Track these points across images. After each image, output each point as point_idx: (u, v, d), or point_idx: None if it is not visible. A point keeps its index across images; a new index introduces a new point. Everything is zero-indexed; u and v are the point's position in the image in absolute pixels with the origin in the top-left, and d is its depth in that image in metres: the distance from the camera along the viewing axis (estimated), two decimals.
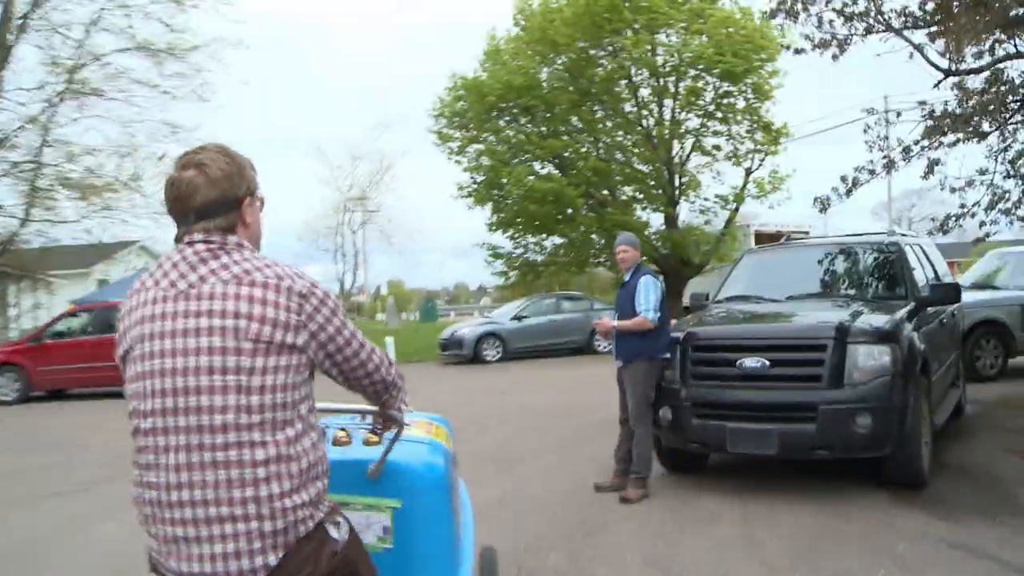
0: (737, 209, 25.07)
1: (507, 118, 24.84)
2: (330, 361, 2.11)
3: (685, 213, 25.70)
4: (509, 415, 11.54)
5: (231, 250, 2.02)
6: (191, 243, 2.02)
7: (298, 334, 1.98)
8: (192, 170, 2.03)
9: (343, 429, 2.92)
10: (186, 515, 1.89)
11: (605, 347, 21.85)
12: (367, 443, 2.82)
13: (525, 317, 22.21)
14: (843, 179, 11.60)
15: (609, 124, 24.88)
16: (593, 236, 25.03)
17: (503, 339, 21.56)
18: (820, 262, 7.98)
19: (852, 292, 7.63)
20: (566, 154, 24.67)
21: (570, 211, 23.94)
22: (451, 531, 2.99)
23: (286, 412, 1.95)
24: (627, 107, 24.60)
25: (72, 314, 17.95)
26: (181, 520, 1.89)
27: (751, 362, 6.15)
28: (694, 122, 24.32)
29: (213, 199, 2.03)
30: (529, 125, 24.58)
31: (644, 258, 6.56)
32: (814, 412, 5.86)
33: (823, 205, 11.66)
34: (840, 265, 7.94)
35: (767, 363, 6.09)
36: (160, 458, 1.92)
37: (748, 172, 24.43)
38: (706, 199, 25.25)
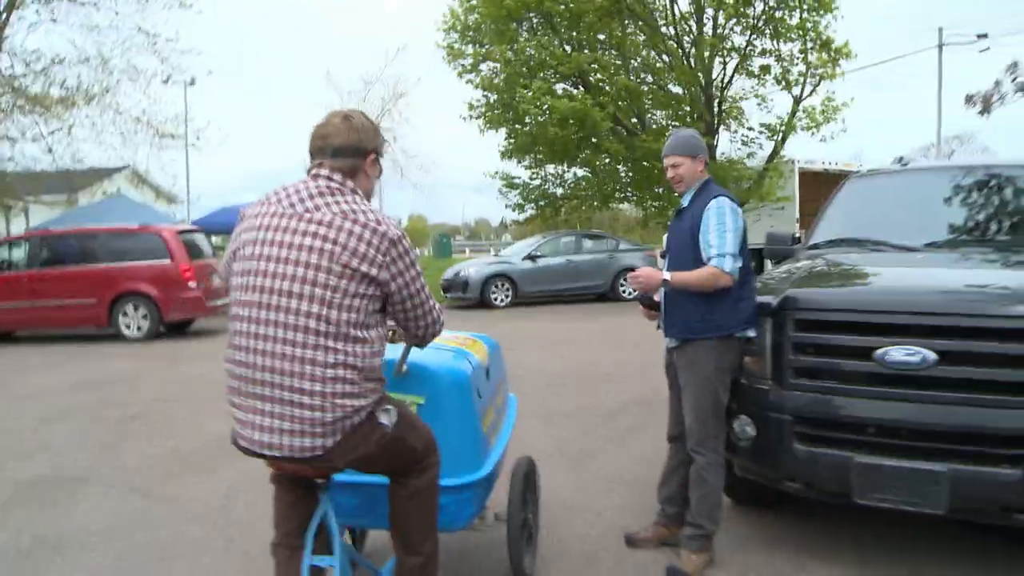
0: (784, 140, 22.10)
1: (525, 30, 21.86)
2: (399, 303, 2.56)
3: (725, 144, 22.81)
4: (510, 386, 8.91)
5: (347, 192, 2.51)
6: (316, 176, 2.53)
7: (380, 271, 2.44)
8: (339, 119, 2.60)
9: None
10: (266, 392, 2.39)
11: (633, 293, 19.45)
12: (389, 340, 2.90)
13: (540, 257, 19.58)
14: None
15: (642, 38, 21.84)
16: (620, 167, 22.25)
17: (514, 281, 19.03)
18: (969, 194, 5.28)
19: None
20: (593, 77, 21.76)
21: (594, 139, 21.13)
22: (473, 430, 3.27)
23: (357, 331, 2.42)
24: (663, 23, 21.58)
25: (9, 243, 15.39)
26: (261, 396, 2.39)
27: (902, 353, 3.54)
28: (739, 39, 21.27)
29: (349, 143, 2.56)
30: (550, 36, 21.58)
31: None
32: (1022, 448, 3.32)
33: (984, 105, 8.82)
34: (1003, 200, 5.24)
35: (932, 356, 3.49)
36: (251, 343, 2.40)
37: (797, 100, 21.49)
38: (750, 128, 22.34)
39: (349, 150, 2.56)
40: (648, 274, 3.90)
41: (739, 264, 3.80)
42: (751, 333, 3.96)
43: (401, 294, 2.52)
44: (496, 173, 23.93)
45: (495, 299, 18.69)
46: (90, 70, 19.45)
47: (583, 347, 11.84)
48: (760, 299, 4.03)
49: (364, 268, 2.39)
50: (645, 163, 20.88)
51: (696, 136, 4.15)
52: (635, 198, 23.88)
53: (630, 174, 22.40)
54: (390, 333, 2.93)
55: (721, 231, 3.79)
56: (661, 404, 4.25)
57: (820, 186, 24.11)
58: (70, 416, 8.02)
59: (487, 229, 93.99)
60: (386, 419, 2.55)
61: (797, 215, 23.25)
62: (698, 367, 3.89)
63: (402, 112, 59.21)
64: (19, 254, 14.72)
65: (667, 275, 3.86)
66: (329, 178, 2.51)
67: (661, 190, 21.70)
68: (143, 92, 22.39)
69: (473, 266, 20.00)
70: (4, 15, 19.11)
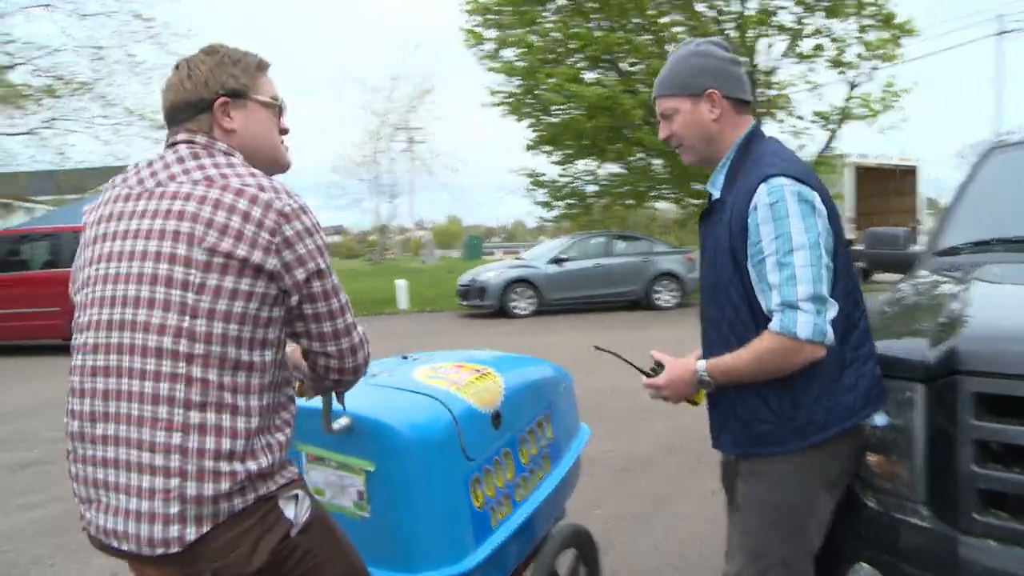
0: (837, 130, 20.09)
1: (550, 10, 20.03)
2: (298, 314, 1.71)
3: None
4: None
5: (215, 153, 1.73)
6: (173, 144, 1.77)
7: (267, 256, 1.61)
8: (174, 71, 1.84)
9: None
10: (107, 454, 1.60)
11: (668, 301, 17.60)
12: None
13: (567, 260, 17.45)
14: None
15: (677, 18, 19.92)
16: (655, 161, 20.34)
17: (537, 287, 17.01)
18: None
19: None
20: (624, 63, 19.89)
21: (626, 131, 19.23)
22: (451, 507, 2.37)
23: (240, 351, 1.60)
24: (701, 2, 19.68)
25: None
26: (101, 459, 1.61)
27: None
28: (788, 17, 19.23)
29: (180, 100, 1.79)
30: (576, 18, 19.70)
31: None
32: None
33: None
34: None
35: None
36: (87, 382, 1.64)
37: (853, 85, 19.50)
38: (799, 117, 20.32)
39: (183, 109, 1.79)
40: (672, 376, 2.21)
41: (832, 312, 2.00)
42: (877, 420, 2.15)
43: (300, 293, 1.68)
44: (523, 170, 22.18)
45: (515, 307, 16.72)
46: (81, 59, 18.40)
47: (611, 367, 9.91)
48: (893, 350, 2.17)
49: (241, 251, 1.59)
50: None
51: (703, 53, 2.24)
52: (672, 195, 21.96)
53: (666, 169, 20.46)
54: (295, 384, 2.02)
55: (784, 251, 1.98)
56: (712, 453, 2.45)
57: (875, 182, 22.16)
58: None
59: (524, 231, 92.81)
60: (291, 511, 1.68)
61: (852, 214, 21.52)
62: (773, 488, 2.12)
63: (428, 109, 58.03)
64: None
65: (700, 365, 2.14)
66: (189, 142, 1.75)
67: (701, 186, 19.83)
68: (143, 85, 21.40)
69: (492, 270, 18.00)
70: None
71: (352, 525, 2.19)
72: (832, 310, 1.99)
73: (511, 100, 20.89)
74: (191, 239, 1.60)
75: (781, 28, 19.23)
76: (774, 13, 19.02)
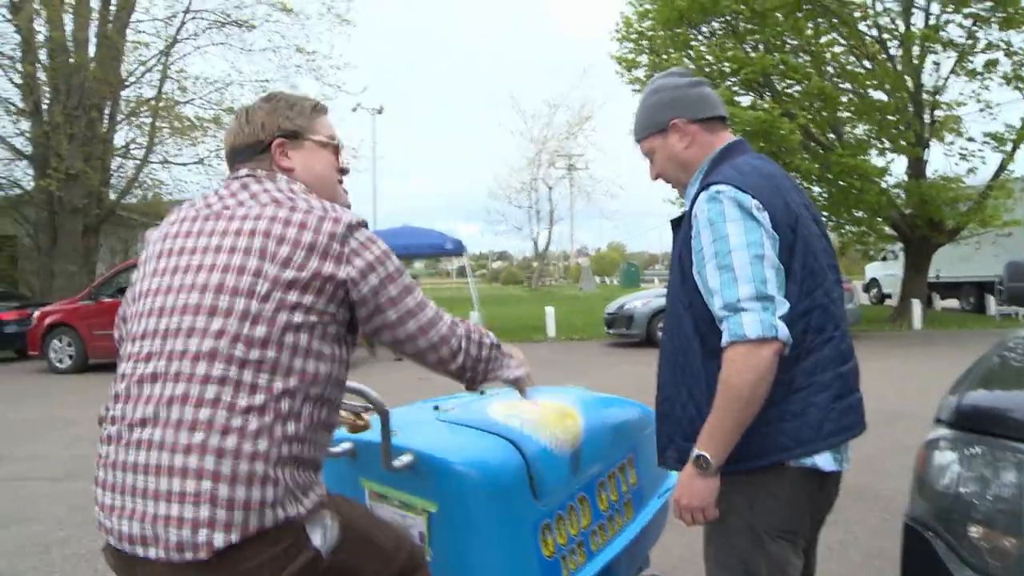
0: (1014, 152, 18.68)
1: (704, 35, 19.66)
2: (380, 317, 1.73)
3: (938, 160, 19.71)
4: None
5: (278, 179, 1.81)
6: (236, 176, 1.83)
7: (341, 265, 1.66)
8: (234, 118, 1.95)
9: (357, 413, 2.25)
10: (143, 459, 1.55)
11: None
12: (352, 429, 2.21)
13: None
14: None
15: (836, 38, 19.11)
16: (813, 188, 19.52)
17: None
18: None
19: None
20: (781, 84, 19.25)
21: (783, 156, 18.56)
22: (518, 556, 2.21)
23: (296, 359, 1.61)
24: (862, 19, 18.81)
25: (135, 266, 14.68)
26: (133, 465, 1.56)
27: None
28: (958, 32, 18.10)
29: (239, 143, 1.88)
30: (730, 41, 19.24)
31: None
32: None
33: None
34: None
35: None
36: (133, 388, 1.61)
37: None
38: (970, 139, 19.03)
39: (243, 151, 1.86)
40: (688, 496, 1.95)
41: (782, 309, 1.86)
42: (819, 462, 1.95)
43: (378, 299, 1.71)
44: (677, 200, 21.76)
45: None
46: (247, 92, 19.39)
47: None
48: (1009, 404, 2.02)
49: (314, 263, 1.62)
50: (842, 182, 18.22)
51: (658, 88, 2.22)
52: (832, 223, 21.04)
53: (824, 195, 19.59)
54: (358, 416, 2.17)
55: (723, 252, 1.89)
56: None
57: None
58: (92, 471, 6.52)
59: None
60: (319, 537, 1.63)
61: None
62: (722, 515, 1.98)
63: (588, 136, 58.30)
64: None
65: (696, 454, 1.91)
66: (251, 172, 1.81)
67: (861, 213, 18.88)
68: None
69: (640, 298, 17.56)
70: (174, 39, 19.27)
71: None
72: (782, 308, 1.85)
73: None
74: (262, 253, 1.63)
75: (949, 44, 18.10)
76: (942, 27, 17.94)
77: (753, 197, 1.90)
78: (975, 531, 1.89)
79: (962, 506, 1.96)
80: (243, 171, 1.83)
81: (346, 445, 2.31)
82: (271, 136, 1.87)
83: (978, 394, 2.11)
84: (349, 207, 1.90)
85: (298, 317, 1.61)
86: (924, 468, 2.07)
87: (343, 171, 1.99)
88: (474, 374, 1.93)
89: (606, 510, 2.64)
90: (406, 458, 2.16)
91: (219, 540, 1.49)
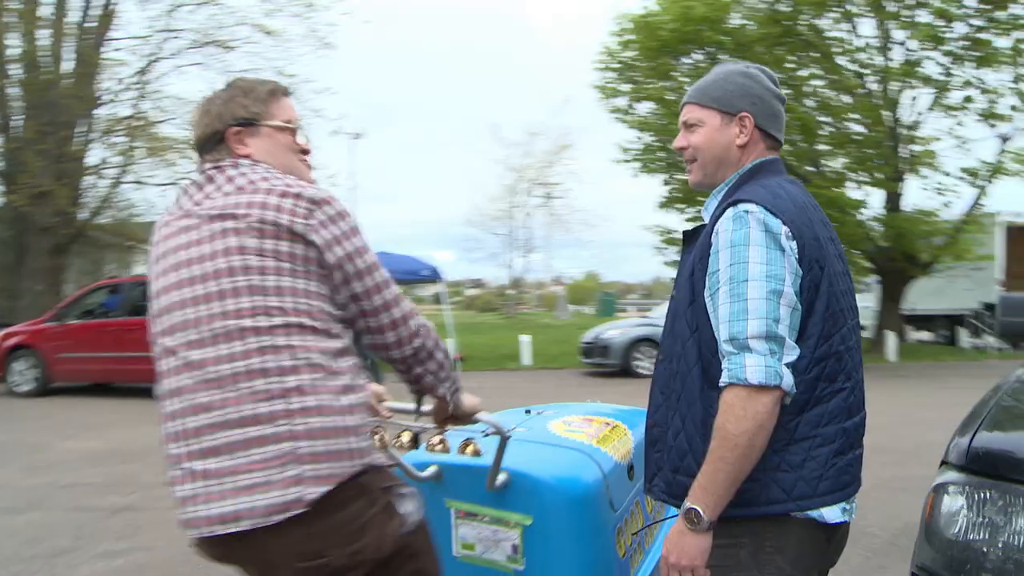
0: (986, 187, 18.87)
1: (686, 65, 19.72)
2: (346, 289, 1.79)
3: (914, 194, 19.86)
4: None
5: (240, 164, 1.86)
6: (202, 170, 1.89)
7: (309, 232, 1.73)
8: (196, 109, 1.99)
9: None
10: (207, 443, 1.64)
11: None
12: (429, 449, 2.37)
13: None
14: None
15: (816, 71, 19.26)
16: None
17: None
18: None
19: None
20: None
21: None
22: (600, 560, 2.46)
23: (314, 320, 1.72)
24: (840, 54, 18.99)
25: (111, 288, 14.43)
26: (201, 451, 1.65)
27: None
28: (934, 68, 18.30)
29: (200, 135, 1.94)
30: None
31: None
32: None
33: None
34: None
35: None
36: (172, 381, 1.73)
37: (1005, 139, 18.34)
38: (946, 173, 19.19)
39: (204, 142, 1.93)
40: (678, 554, 1.78)
41: (790, 357, 1.71)
42: (827, 515, 1.79)
43: (345, 270, 1.77)
44: (657, 228, 21.78)
45: (639, 367, 15.94)
46: None
47: None
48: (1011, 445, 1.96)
49: (285, 221, 1.72)
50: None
51: (751, 76, 2.01)
52: None
53: None
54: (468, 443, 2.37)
55: (739, 280, 1.74)
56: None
57: None
58: (53, 501, 6.38)
59: (663, 288, 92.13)
60: (405, 506, 1.79)
61: (1002, 276, 20.13)
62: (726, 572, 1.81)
63: (566, 164, 58.47)
64: (115, 301, 13.78)
65: (687, 507, 1.76)
66: (214, 163, 1.88)
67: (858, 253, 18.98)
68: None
69: (617, 328, 17.47)
70: (152, 58, 19.07)
71: None
72: (791, 354, 1.71)
73: (643, 156, 20.64)
74: (237, 232, 1.72)
75: (927, 80, 18.29)
76: (919, 64, 18.13)
77: (784, 223, 1.75)
78: None
79: (973, 555, 1.83)
80: (207, 164, 1.90)
81: (432, 469, 2.44)
82: (226, 125, 1.92)
83: (991, 436, 1.99)
84: (311, 182, 1.94)
85: (297, 283, 1.72)
86: (932, 514, 1.94)
87: (304, 151, 2.02)
88: (423, 370, 1.94)
89: (652, 512, 2.97)
90: (502, 477, 2.35)
91: (311, 493, 1.61)
